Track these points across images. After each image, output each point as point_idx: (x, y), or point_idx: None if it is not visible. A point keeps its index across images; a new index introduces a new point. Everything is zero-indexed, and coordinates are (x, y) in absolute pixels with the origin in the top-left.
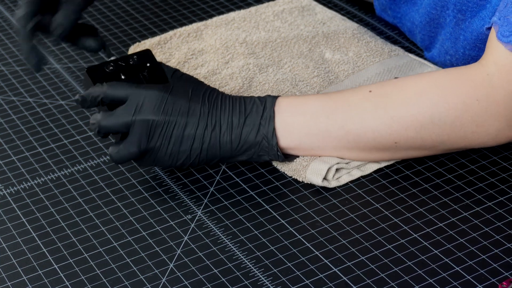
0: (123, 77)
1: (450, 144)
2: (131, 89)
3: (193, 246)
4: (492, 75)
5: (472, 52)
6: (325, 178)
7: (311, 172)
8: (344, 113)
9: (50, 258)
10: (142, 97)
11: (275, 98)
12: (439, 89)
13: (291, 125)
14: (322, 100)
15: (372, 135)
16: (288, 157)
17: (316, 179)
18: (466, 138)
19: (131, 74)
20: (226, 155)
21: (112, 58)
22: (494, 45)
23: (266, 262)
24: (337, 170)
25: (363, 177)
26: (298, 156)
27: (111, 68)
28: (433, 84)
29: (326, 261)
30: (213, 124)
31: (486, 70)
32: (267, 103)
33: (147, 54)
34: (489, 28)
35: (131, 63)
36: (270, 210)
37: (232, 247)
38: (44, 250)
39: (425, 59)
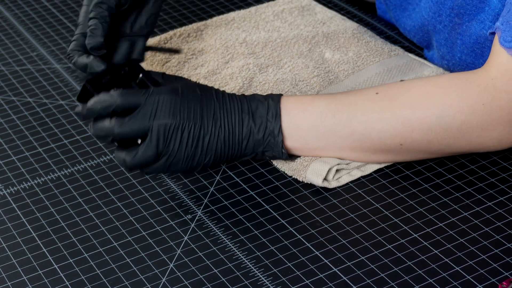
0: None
1: (456, 148)
2: (143, 96)
3: (193, 246)
4: (496, 80)
5: (468, 58)
6: (325, 179)
7: (312, 172)
8: (350, 113)
9: (50, 258)
10: (156, 102)
11: (278, 96)
12: (445, 92)
13: (298, 124)
14: (328, 99)
15: (377, 136)
16: (291, 157)
17: (317, 180)
18: (471, 142)
19: (124, 85)
20: (236, 154)
21: (102, 66)
22: (497, 50)
23: (266, 262)
24: (337, 170)
25: (363, 177)
26: (299, 156)
27: (107, 78)
28: (439, 88)
29: (326, 261)
30: (226, 123)
31: (490, 75)
32: (270, 101)
33: (132, 64)
34: (493, 33)
35: (122, 73)
36: (270, 210)
37: (232, 247)
38: (44, 250)
39: (425, 58)
